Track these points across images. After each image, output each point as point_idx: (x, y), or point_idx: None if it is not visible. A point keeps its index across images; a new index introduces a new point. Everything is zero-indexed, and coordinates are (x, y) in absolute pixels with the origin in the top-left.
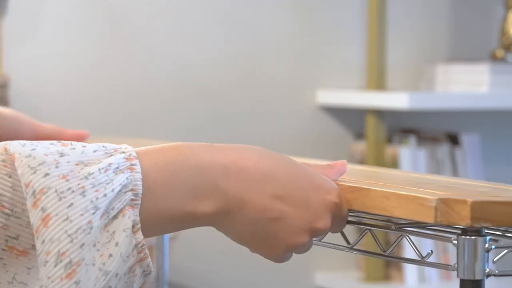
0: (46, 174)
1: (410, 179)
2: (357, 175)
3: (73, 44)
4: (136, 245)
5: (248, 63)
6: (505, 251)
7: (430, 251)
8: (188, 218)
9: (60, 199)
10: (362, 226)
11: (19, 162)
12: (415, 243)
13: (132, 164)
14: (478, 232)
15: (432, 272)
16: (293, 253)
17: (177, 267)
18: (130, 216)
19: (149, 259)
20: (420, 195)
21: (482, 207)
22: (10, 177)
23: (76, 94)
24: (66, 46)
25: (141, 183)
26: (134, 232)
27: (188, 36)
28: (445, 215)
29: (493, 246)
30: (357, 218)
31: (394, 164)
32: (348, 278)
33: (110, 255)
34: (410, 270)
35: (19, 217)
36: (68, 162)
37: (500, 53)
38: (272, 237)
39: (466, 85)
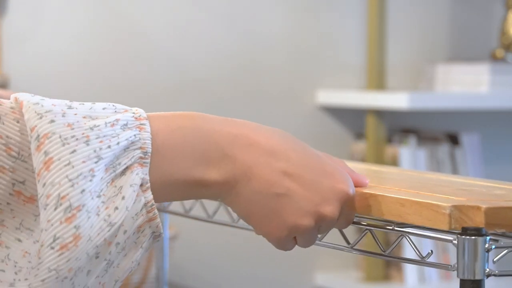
0: (52, 121)
1: (425, 181)
2: (372, 177)
3: (73, 44)
4: (145, 204)
5: (248, 63)
6: (505, 251)
7: (430, 251)
8: (196, 184)
9: (63, 145)
10: (362, 226)
11: (26, 108)
12: (415, 243)
13: (141, 124)
14: (478, 232)
15: (432, 272)
16: (296, 245)
17: (177, 267)
18: (139, 173)
19: (159, 220)
20: (434, 202)
21: (496, 213)
22: (18, 122)
23: (76, 94)
24: (66, 46)
25: (150, 142)
26: (143, 191)
27: (188, 36)
28: (459, 221)
29: (493, 246)
30: (357, 218)
31: (394, 164)
32: (348, 278)
33: (116, 208)
34: (410, 270)
35: (25, 161)
36: (75, 114)
37: (500, 53)
38: (276, 214)
39: (466, 85)
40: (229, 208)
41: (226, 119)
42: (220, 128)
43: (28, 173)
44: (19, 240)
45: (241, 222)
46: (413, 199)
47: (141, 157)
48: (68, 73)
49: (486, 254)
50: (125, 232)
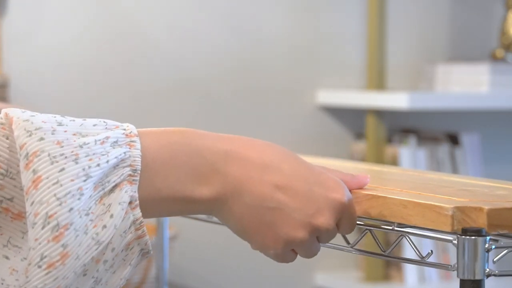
0: (41, 139)
1: (427, 182)
2: (373, 178)
3: (73, 44)
4: (134, 222)
5: (248, 63)
6: (505, 251)
7: (430, 251)
8: (186, 201)
9: (52, 163)
10: (362, 226)
11: (16, 125)
12: (415, 243)
13: (131, 141)
14: (478, 232)
15: (432, 272)
16: (298, 255)
17: (177, 267)
18: (128, 191)
19: (148, 237)
20: (436, 204)
21: (499, 214)
22: (7, 138)
23: (76, 94)
24: (66, 46)
25: (140, 159)
26: (132, 209)
27: (188, 36)
28: (462, 222)
29: (493, 246)
30: (357, 218)
31: (394, 164)
32: (348, 278)
33: (104, 226)
34: (410, 270)
35: (14, 178)
36: (65, 131)
37: (500, 53)
38: (269, 228)
39: (466, 85)
40: None
41: (218, 135)
42: (211, 144)
43: (16, 191)
44: (7, 258)
45: None
46: (415, 200)
47: (130, 175)
48: (68, 73)
49: (486, 254)
50: (113, 249)
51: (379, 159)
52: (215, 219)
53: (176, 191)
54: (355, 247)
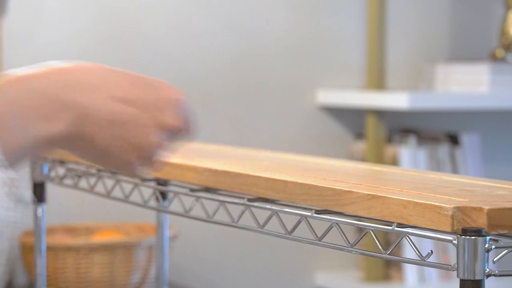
0: None
1: (427, 182)
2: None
3: (73, 44)
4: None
5: (248, 63)
6: (505, 251)
7: (430, 251)
8: (44, 142)
9: None
10: (362, 226)
11: None
12: (415, 243)
13: None
14: (478, 232)
15: (432, 272)
16: (151, 164)
17: (177, 267)
18: None
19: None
20: (436, 204)
21: (499, 214)
22: None
23: None
24: (66, 46)
25: None
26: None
27: (188, 36)
28: (462, 223)
29: (493, 246)
30: (357, 218)
31: (394, 164)
32: (348, 278)
33: None
34: (410, 270)
35: None
36: None
37: (500, 53)
38: (124, 141)
39: (466, 85)
40: (229, 208)
41: (46, 70)
42: (46, 78)
43: None
44: None
45: (241, 222)
46: (415, 200)
47: None
48: None
49: (486, 254)
50: None
51: (379, 159)
52: (215, 219)
53: (32, 137)
54: (355, 247)
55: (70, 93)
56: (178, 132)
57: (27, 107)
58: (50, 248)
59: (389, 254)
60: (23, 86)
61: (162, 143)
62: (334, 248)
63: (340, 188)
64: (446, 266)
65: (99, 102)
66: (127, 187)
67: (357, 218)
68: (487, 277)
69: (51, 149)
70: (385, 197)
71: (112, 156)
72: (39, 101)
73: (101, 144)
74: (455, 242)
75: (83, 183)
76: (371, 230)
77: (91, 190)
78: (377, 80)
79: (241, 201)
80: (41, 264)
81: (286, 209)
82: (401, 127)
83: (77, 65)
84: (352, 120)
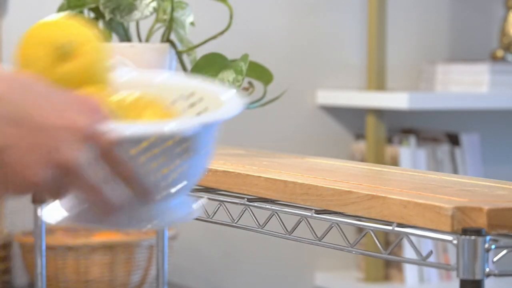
0: None
1: (427, 182)
2: (374, 178)
3: None
4: None
5: None
6: (505, 251)
7: (430, 251)
8: None
9: None
10: (362, 226)
11: None
12: (415, 243)
13: None
14: (478, 232)
15: (432, 272)
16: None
17: (177, 267)
18: None
19: None
20: (436, 204)
21: (499, 214)
22: None
23: None
24: None
25: None
26: None
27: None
28: (462, 223)
29: (493, 246)
30: (357, 218)
31: (394, 164)
32: (348, 278)
33: None
34: (410, 270)
35: None
36: None
37: (500, 53)
38: (2, 171)
39: (466, 85)
40: (229, 208)
41: None
42: None
43: None
44: None
45: (241, 222)
46: (415, 200)
47: None
48: None
49: (486, 254)
50: None
51: (379, 159)
52: (215, 219)
53: None
54: (355, 247)
55: None
56: (73, 174)
57: None
58: (50, 248)
59: (389, 254)
60: None
61: (45, 181)
62: (334, 248)
63: (340, 188)
64: (446, 266)
65: None
66: None
67: (357, 218)
68: (487, 277)
69: None
70: (385, 197)
71: None
72: None
73: None
74: (455, 242)
75: None
76: (371, 230)
77: None
78: (377, 80)
79: (241, 201)
80: (41, 264)
81: (286, 209)
82: (401, 127)
83: None
84: (352, 120)
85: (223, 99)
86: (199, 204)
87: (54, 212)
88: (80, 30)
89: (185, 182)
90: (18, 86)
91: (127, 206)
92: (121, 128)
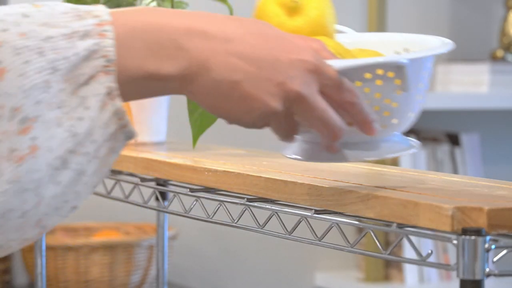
0: (5, 30)
1: (427, 182)
2: (374, 178)
3: None
4: (115, 112)
5: None
6: (505, 251)
7: (430, 251)
8: (155, 78)
9: (16, 54)
10: (362, 226)
11: None
12: (415, 243)
13: (103, 30)
14: (478, 232)
15: (432, 272)
16: (273, 131)
17: (177, 267)
18: (104, 82)
19: (131, 126)
20: (436, 204)
21: (499, 214)
22: None
23: None
24: None
25: (113, 49)
26: (111, 99)
27: None
28: (462, 223)
29: (493, 246)
30: (357, 218)
31: (394, 164)
32: (348, 278)
33: (80, 118)
34: (410, 270)
35: None
36: (30, 23)
37: (500, 53)
38: (241, 100)
39: (466, 85)
40: (229, 208)
41: (176, 11)
42: (173, 21)
43: None
44: None
45: (241, 222)
46: (415, 200)
47: (104, 65)
48: None
49: (486, 254)
50: (94, 141)
51: (379, 159)
52: (215, 219)
53: (144, 70)
54: (355, 247)
55: (191, 39)
56: (305, 105)
57: (145, 42)
58: (50, 248)
59: (389, 254)
60: (146, 20)
61: (281, 113)
62: (334, 248)
63: (340, 188)
64: (446, 266)
65: (217, 54)
66: (127, 187)
67: (357, 218)
68: (487, 277)
69: (160, 90)
70: (385, 197)
71: (227, 112)
72: (158, 38)
73: (215, 99)
74: (455, 242)
75: None
76: (371, 230)
77: None
78: None
79: (241, 201)
80: (41, 264)
81: (286, 209)
82: None
83: (204, 13)
84: None
85: (433, 43)
86: (416, 142)
87: (287, 150)
88: None
89: (400, 118)
90: (253, 29)
91: (350, 138)
92: (344, 62)
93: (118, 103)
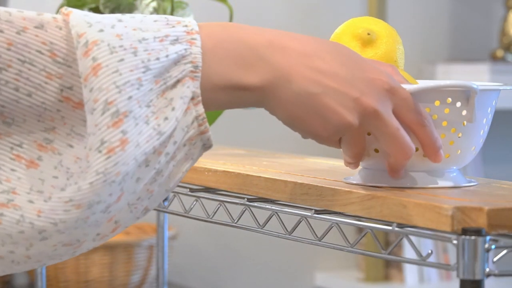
0: (101, 30)
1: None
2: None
3: None
4: (196, 117)
5: None
6: (505, 251)
7: (430, 251)
8: (237, 88)
9: (111, 53)
10: (362, 226)
11: (75, 17)
12: (415, 243)
13: (192, 38)
14: (478, 232)
15: (432, 272)
16: (343, 148)
17: (177, 267)
18: (190, 86)
19: (210, 133)
20: (436, 204)
21: (499, 215)
22: (60, 29)
23: None
24: None
25: (200, 57)
26: (195, 104)
27: None
28: (462, 222)
29: (493, 246)
30: (357, 218)
31: None
32: (348, 278)
33: (166, 118)
34: (410, 270)
35: (70, 66)
36: (125, 27)
37: (500, 53)
38: (318, 114)
39: None
40: (229, 208)
41: (258, 27)
42: (255, 35)
43: (75, 79)
44: (71, 146)
45: (241, 222)
46: (415, 200)
47: (192, 71)
48: None
49: (486, 254)
50: (175, 143)
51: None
52: (215, 219)
53: (227, 79)
54: (355, 247)
55: (273, 52)
56: (379, 121)
57: (229, 53)
58: None
59: (389, 254)
60: (229, 33)
61: (356, 127)
62: (334, 248)
63: (340, 188)
64: (446, 266)
65: (297, 67)
66: None
67: (357, 218)
68: (487, 277)
69: (241, 101)
70: (385, 197)
71: (303, 125)
72: (241, 50)
73: (293, 111)
74: (455, 242)
75: None
76: (371, 230)
77: None
78: None
79: (241, 201)
80: None
81: (286, 209)
82: None
83: (283, 31)
84: None
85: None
86: (472, 181)
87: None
88: (380, 25)
89: (463, 150)
90: (331, 48)
91: (411, 166)
92: (417, 86)
93: (200, 109)
